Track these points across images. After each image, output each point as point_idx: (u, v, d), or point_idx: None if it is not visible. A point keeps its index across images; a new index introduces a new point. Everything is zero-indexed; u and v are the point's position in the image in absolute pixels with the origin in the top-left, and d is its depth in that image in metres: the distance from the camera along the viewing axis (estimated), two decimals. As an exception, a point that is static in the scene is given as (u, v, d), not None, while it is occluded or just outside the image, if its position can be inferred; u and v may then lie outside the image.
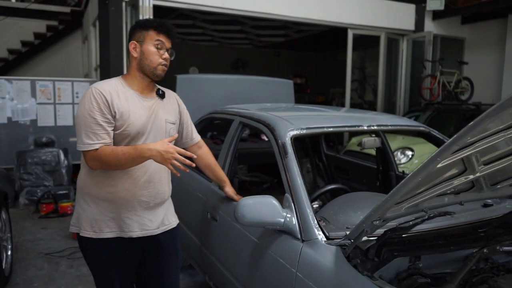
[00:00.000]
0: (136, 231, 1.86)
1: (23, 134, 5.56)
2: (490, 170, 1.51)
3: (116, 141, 1.79)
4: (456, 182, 1.51)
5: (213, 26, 8.16)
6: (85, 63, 8.01)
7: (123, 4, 5.28)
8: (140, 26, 1.86)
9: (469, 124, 1.13)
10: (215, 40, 10.11)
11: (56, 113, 5.67)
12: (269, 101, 3.83)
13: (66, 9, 8.39)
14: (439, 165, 1.28)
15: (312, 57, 12.70)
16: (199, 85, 3.87)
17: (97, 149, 1.72)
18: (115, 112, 1.76)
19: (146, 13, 5.08)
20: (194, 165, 1.80)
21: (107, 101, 1.74)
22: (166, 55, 1.86)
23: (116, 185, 1.80)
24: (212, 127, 3.59)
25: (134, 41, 1.85)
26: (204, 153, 2.24)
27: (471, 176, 1.49)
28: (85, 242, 1.86)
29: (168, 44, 1.86)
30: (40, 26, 8.20)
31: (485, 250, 1.70)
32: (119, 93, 1.80)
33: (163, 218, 1.95)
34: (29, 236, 4.16)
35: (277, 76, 4.62)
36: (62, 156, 5.39)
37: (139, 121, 1.81)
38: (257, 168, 4.01)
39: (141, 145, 1.74)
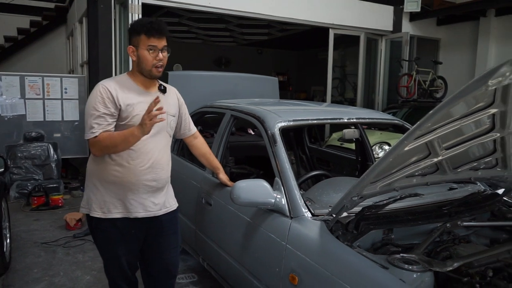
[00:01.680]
0: (140, 212, 2.06)
1: (12, 129, 5.61)
2: (451, 154, 1.78)
3: None
4: (422, 164, 1.76)
5: (198, 24, 8.30)
6: (70, 59, 8.05)
7: (112, 1, 5.40)
8: (134, 30, 1.98)
9: (430, 112, 1.38)
10: (199, 38, 10.23)
11: (45, 108, 5.76)
12: (256, 97, 4.00)
13: (50, 5, 8.41)
14: (406, 148, 1.53)
15: (294, 56, 12.96)
16: (189, 81, 4.04)
17: (96, 136, 1.91)
18: (120, 105, 1.95)
19: (135, 11, 5.20)
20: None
21: (112, 95, 1.94)
22: (160, 55, 1.98)
23: (123, 171, 1.99)
24: (200, 122, 3.77)
25: (131, 46, 2.00)
26: (200, 142, 2.46)
27: (435, 159, 1.75)
28: (95, 222, 2.05)
29: (160, 45, 1.97)
30: (23, 21, 8.22)
31: (448, 225, 1.97)
32: (125, 88, 1.99)
33: (165, 201, 2.15)
34: (23, 227, 4.27)
35: (260, 74, 4.81)
36: (51, 151, 5.48)
37: (143, 113, 2.00)
38: (244, 160, 4.21)
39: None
